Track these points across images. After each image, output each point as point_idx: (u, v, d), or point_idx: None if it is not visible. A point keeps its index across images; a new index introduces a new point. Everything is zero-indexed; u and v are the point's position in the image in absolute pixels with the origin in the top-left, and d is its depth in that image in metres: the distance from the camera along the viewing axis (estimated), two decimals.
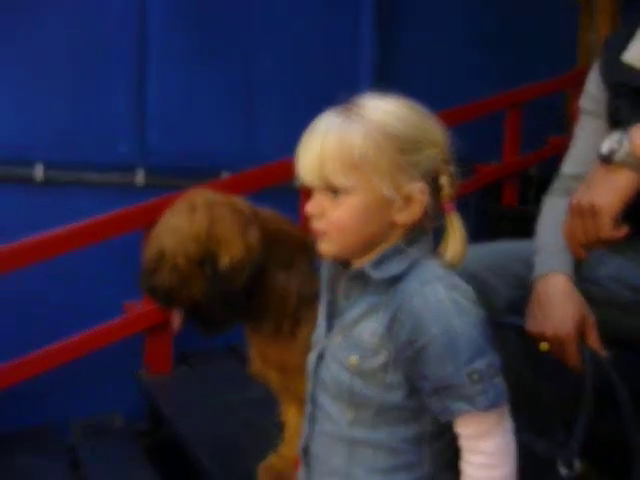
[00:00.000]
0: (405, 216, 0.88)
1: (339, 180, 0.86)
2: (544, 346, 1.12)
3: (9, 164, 2.56)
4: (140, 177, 2.80)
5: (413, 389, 0.88)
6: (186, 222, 1.29)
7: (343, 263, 0.94)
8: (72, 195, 2.64)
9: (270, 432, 1.60)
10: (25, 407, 2.35)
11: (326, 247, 0.90)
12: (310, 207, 0.90)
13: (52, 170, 2.63)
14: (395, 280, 0.88)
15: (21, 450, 2.19)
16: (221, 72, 2.94)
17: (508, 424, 0.89)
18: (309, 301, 1.21)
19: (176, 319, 1.34)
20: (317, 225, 0.90)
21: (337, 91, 0.91)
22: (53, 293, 2.58)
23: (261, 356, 1.40)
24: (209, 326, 1.35)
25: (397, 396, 0.88)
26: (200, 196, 1.35)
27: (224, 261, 1.27)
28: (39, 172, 2.62)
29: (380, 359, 0.88)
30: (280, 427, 1.51)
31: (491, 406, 0.86)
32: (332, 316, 0.95)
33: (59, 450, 2.21)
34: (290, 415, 1.44)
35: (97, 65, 2.72)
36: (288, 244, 1.34)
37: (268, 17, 3.00)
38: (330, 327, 0.95)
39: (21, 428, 2.30)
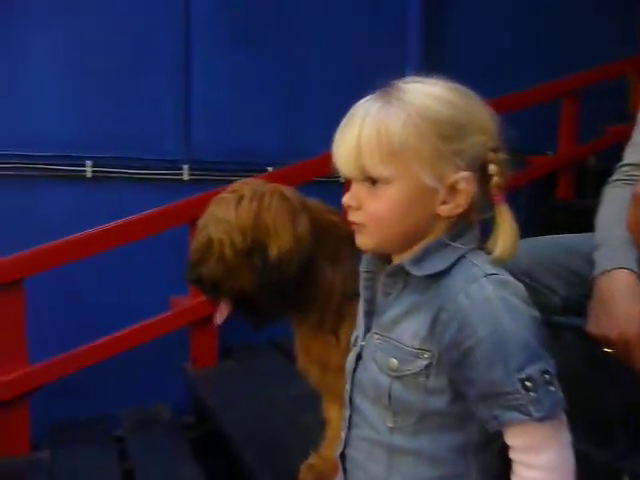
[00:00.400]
0: (449, 207, 0.82)
1: (377, 169, 0.81)
2: (607, 349, 1.05)
3: (60, 161, 2.62)
4: (186, 173, 2.83)
5: (458, 394, 0.82)
6: (233, 212, 1.26)
7: (383, 258, 0.89)
8: (120, 191, 2.69)
9: (314, 429, 1.58)
10: (77, 398, 2.42)
11: (364, 240, 0.85)
12: (347, 198, 0.84)
13: (101, 167, 2.69)
14: (438, 277, 0.82)
15: (73, 440, 2.25)
16: (266, 67, 2.93)
17: (565, 436, 0.81)
18: (353, 297, 1.15)
19: (222, 311, 1.32)
20: (354, 217, 0.85)
21: (383, 82, 0.85)
22: (102, 287, 2.64)
23: (304, 351, 1.37)
24: (256, 318, 1.33)
25: (440, 402, 0.82)
26: (247, 185, 1.31)
27: (272, 251, 1.23)
28: (88, 169, 2.67)
29: (421, 362, 0.82)
30: (323, 425, 1.50)
31: (546, 416, 0.78)
32: (371, 315, 0.90)
33: (108, 440, 2.26)
34: (332, 413, 1.40)
35: (143, 63, 2.75)
36: (335, 236, 1.29)
37: (312, 9, 2.98)
38: (369, 327, 0.89)
39: (73, 419, 2.36)
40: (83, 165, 2.66)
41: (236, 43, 2.90)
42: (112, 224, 2.25)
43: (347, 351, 0.94)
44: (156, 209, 2.36)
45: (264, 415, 2.04)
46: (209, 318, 2.30)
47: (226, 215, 1.27)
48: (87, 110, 2.67)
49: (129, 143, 2.73)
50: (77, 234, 2.21)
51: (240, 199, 1.28)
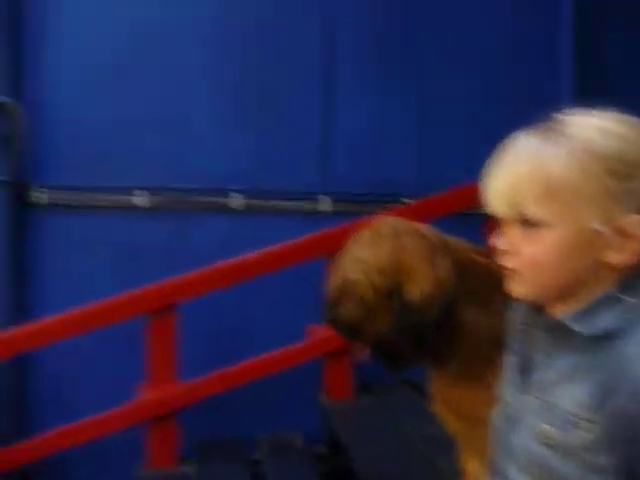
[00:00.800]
0: (619, 255, 0.72)
1: (534, 210, 0.73)
2: None
3: (210, 194, 2.79)
4: (325, 204, 2.89)
5: (632, 476, 0.71)
6: (371, 252, 1.23)
7: (537, 308, 0.80)
8: (266, 222, 2.80)
9: (449, 475, 1.51)
10: (219, 420, 2.53)
11: (517, 288, 0.77)
12: (500, 242, 0.77)
13: (248, 199, 2.81)
14: (607, 337, 0.72)
15: (216, 458, 2.36)
16: (408, 99, 2.93)
17: None
18: (502, 345, 1.11)
19: (360, 351, 1.30)
20: (508, 262, 0.76)
21: (530, 113, 0.79)
22: (242, 314, 2.74)
23: (442, 398, 1.31)
24: (393, 362, 1.29)
25: None
26: (385, 225, 1.29)
27: (413, 293, 1.20)
28: (236, 201, 2.81)
29: (583, 434, 0.71)
30: (459, 473, 1.42)
31: None
32: (524, 372, 0.80)
33: (245, 462, 2.33)
34: (470, 467, 1.31)
35: (288, 97, 2.86)
36: (480, 277, 1.22)
37: (457, 44, 2.94)
38: (522, 385, 0.80)
39: (216, 438, 2.48)
40: (231, 197, 2.80)
41: (377, 76, 2.93)
42: (255, 254, 2.34)
43: (491, 404, 0.86)
44: (296, 241, 2.42)
45: (398, 455, 1.99)
46: (345, 350, 2.32)
47: (364, 255, 1.24)
48: (235, 145, 2.82)
49: (273, 175, 2.84)
50: (224, 263, 2.33)
51: (378, 239, 1.25)
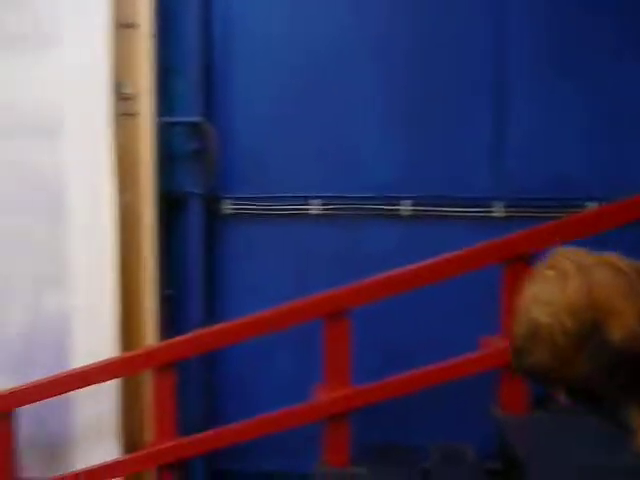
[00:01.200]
0: None
1: None
2: None
3: (380, 202, 2.83)
4: (498, 209, 2.80)
5: None
6: (559, 291, 1.12)
7: None
8: (436, 229, 2.79)
9: None
10: (389, 426, 2.57)
11: None
12: None
13: (418, 206, 2.82)
14: None
15: (383, 462, 2.41)
16: (583, 98, 2.76)
17: None
18: None
19: (560, 398, 1.24)
20: None
21: None
22: (412, 323, 2.76)
23: None
24: (595, 404, 1.21)
25: None
26: (566, 258, 1.20)
27: (612, 333, 1.12)
28: (406, 208, 2.83)
29: None
30: None
31: None
32: None
33: (415, 469, 2.35)
34: None
35: (457, 101, 2.82)
36: None
37: (631, 37, 2.70)
38: None
39: (388, 442, 2.53)
40: (402, 204, 2.83)
41: (552, 75, 2.78)
42: (427, 262, 2.34)
43: None
44: (469, 248, 2.37)
45: (579, 476, 1.87)
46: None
47: (551, 296, 1.15)
48: (405, 151, 2.84)
49: (443, 181, 2.82)
50: (396, 270, 2.36)
51: (564, 276, 1.16)
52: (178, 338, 2.47)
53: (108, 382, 2.51)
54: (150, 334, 2.70)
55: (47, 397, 2.47)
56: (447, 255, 2.37)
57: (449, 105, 2.83)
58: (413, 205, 2.82)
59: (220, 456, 2.77)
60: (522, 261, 2.22)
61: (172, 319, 2.80)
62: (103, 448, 2.58)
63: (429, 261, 2.36)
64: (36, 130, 2.59)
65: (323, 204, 2.84)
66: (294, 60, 2.83)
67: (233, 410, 2.73)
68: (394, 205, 2.82)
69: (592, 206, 2.68)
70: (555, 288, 1.16)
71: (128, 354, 2.59)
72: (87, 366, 2.45)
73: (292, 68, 2.83)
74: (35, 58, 2.55)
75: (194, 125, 2.81)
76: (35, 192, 2.61)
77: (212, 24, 2.84)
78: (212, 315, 2.82)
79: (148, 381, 2.60)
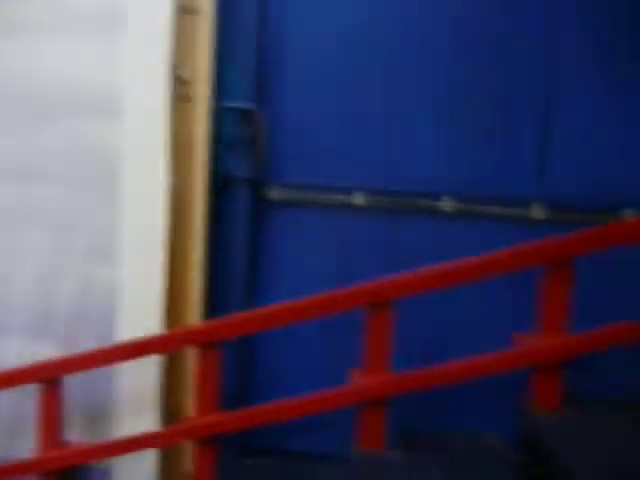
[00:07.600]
0: None
1: None
2: None
3: (422, 196, 2.90)
4: (538, 211, 2.85)
5: None
6: None
7: None
8: (474, 227, 2.84)
9: None
10: (422, 415, 2.65)
11: None
12: None
13: (459, 202, 2.88)
14: None
15: (415, 448, 2.49)
16: (632, 99, 2.78)
17: None
18: None
19: None
20: None
21: None
22: (449, 318, 2.83)
23: None
24: None
25: None
26: None
27: None
28: (447, 204, 2.89)
29: None
30: None
31: None
32: None
33: (446, 456, 2.43)
34: None
35: (504, 97, 2.86)
36: None
37: None
38: None
39: (417, 430, 2.63)
40: (443, 201, 2.89)
41: (604, 75, 2.80)
42: (472, 260, 2.39)
43: None
44: (509, 249, 2.42)
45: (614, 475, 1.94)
46: (556, 363, 2.30)
47: None
48: (448, 148, 2.89)
49: (485, 181, 2.87)
50: (436, 266, 2.42)
51: None
52: (224, 318, 2.55)
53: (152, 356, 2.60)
54: (195, 314, 2.79)
55: (93, 367, 2.57)
56: (492, 254, 2.42)
57: (496, 106, 2.87)
58: (454, 202, 2.87)
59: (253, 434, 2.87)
60: (566, 264, 2.28)
61: (216, 301, 2.89)
62: (143, 419, 2.69)
63: (474, 259, 2.41)
64: (94, 109, 2.66)
65: (366, 196, 2.91)
66: (346, 54, 2.87)
67: (271, 393, 2.80)
68: (435, 201, 2.88)
69: (630, 214, 2.72)
70: None
71: (173, 331, 2.68)
72: (133, 340, 2.54)
73: (344, 62, 2.88)
74: (99, 39, 2.62)
75: (246, 111, 2.86)
76: (90, 170, 2.69)
77: (269, 12, 2.89)
78: (254, 297, 2.91)
79: (191, 357, 2.70)
